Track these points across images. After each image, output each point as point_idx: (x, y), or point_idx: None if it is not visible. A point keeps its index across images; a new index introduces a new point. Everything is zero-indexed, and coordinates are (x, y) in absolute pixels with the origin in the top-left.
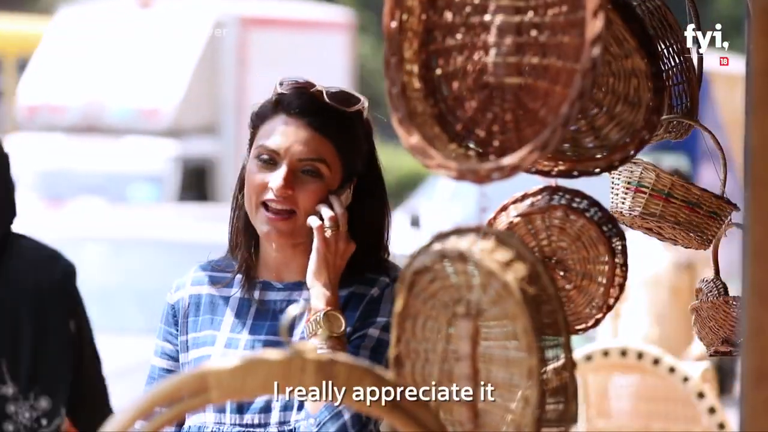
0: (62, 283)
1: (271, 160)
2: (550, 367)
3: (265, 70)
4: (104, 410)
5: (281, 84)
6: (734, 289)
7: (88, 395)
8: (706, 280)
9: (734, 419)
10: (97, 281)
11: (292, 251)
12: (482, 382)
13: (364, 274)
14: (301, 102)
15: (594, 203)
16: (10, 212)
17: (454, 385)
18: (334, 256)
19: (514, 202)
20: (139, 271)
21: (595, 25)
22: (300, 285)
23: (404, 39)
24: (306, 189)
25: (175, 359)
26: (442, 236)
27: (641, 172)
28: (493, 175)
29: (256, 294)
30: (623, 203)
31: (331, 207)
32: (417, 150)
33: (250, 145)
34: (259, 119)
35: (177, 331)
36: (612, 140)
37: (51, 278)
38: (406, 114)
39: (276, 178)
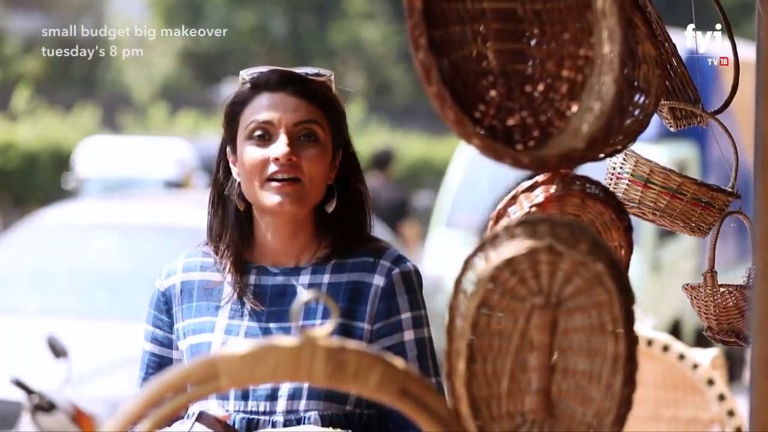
0: None
1: (266, 134)
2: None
3: None
4: None
5: (248, 74)
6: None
7: None
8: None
9: (744, 406)
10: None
11: (291, 235)
12: (559, 372)
13: (360, 255)
14: (279, 77)
15: (604, 188)
16: None
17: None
18: None
19: (524, 191)
20: (149, 258)
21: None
22: (297, 270)
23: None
24: (308, 155)
25: (165, 345)
26: (510, 228)
27: (623, 159)
28: (562, 165)
29: (252, 279)
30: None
31: None
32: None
33: (228, 141)
34: (238, 106)
35: (168, 318)
36: (625, 126)
37: None
38: (454, 101)
39: (278, 148)
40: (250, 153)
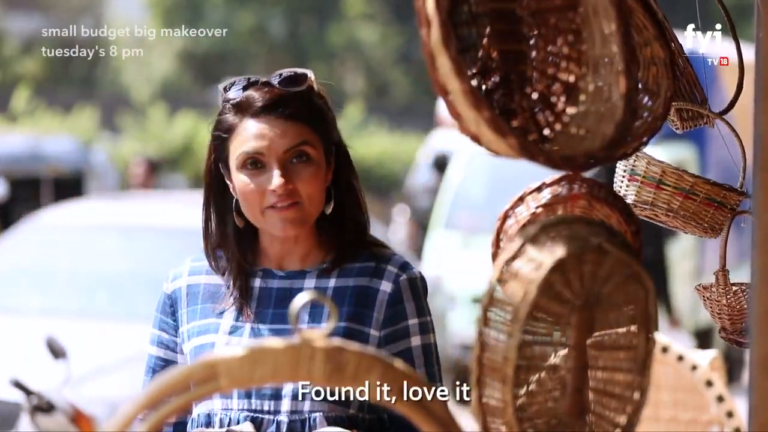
0: None
1: (257, 163)
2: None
3: None
4: None
5: (226, 89)
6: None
7: None
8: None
9: (743, 407)
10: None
11: (293, 240)
12: (591, 371)
13: (366, 260)
14: (260, 99)
15: (610, 191)
16: None
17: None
18: None
19: (531, 192)
20: (149, 258)
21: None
22: (302, 273)
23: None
24: (302, 177)
25: (171, 348)
26: (548, 226)
27: (634, 160)
28: (588, 165)
29: (257, 282)
30: (619, 191)
31: None
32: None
33: (221, 161)
34: (224, 133)
35: (174, 321)
36: (634, 129)
37: None
38: (489, 107)
39: (273, 180)
40: (245, 183)
